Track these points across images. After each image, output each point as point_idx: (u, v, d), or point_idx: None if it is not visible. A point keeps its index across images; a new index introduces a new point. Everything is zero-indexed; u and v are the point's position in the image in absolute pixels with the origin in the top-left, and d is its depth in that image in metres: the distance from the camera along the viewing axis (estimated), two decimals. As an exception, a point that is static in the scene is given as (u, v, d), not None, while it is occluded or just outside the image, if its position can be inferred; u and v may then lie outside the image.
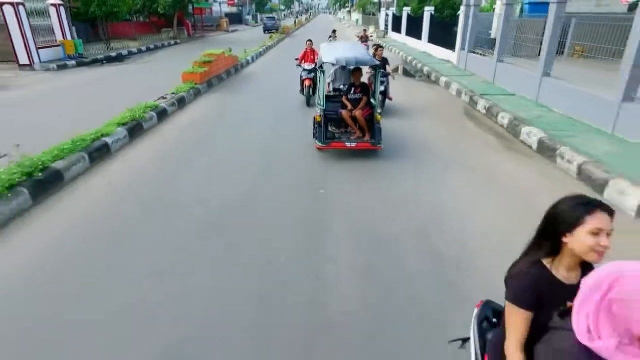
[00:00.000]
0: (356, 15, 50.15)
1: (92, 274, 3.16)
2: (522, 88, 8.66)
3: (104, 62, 16.39)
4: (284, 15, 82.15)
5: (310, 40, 9.23)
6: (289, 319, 2.69)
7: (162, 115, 7.44)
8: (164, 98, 8.12)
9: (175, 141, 6.51)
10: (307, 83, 8.70)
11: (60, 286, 3.00)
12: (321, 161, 5.64)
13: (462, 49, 12.58)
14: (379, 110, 6.21)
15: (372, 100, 6.06)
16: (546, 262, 1.42)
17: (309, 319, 2.69)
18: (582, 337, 1.08)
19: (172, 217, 4.04)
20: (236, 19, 47.56)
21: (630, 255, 1.13)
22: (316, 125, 5.92)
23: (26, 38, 13.49)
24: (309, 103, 8.68)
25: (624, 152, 5.28)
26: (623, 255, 1.11)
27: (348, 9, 64.49)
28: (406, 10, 21.67)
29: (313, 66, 8.60)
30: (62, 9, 15.54)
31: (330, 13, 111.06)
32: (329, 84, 7.48)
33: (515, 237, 3.37)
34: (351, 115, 5.90)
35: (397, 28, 24.63)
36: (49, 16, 15.24)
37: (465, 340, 1.84)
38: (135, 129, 6.37)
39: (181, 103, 8.44)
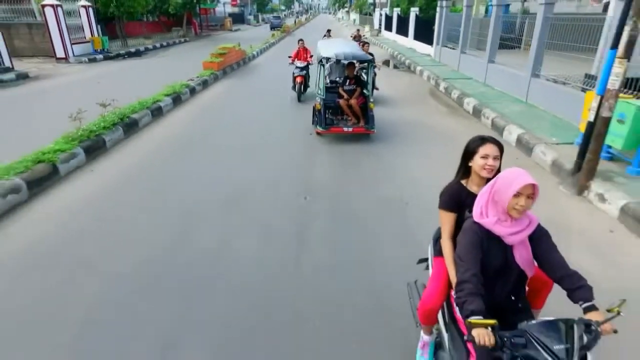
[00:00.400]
0: (354, 15, 52.45)
1: (168, 169, 5.44)
2: (476, 73, 10.93)
3: (126, 56, 18.67)
4: (284, 15, 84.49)
5: (301, 40, 9.85)
6: (292, 187, 4.98)
7: (192, 91, 9.75)
8: (191, 80, 10.40)
9: (204, 109, 8.80)
10: (298, 80, 9.14)
11: (147, 176, 5.29)
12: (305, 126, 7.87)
13: (437, 44, 14.85)
14: (371, 99, 6.88)
15: (365, 91, 6.81)
16: (463, 181, 2.06)
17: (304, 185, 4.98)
18: (476, 217, 1.75)
19: (209, 147, 6.32)
20: (238, 18, 49.86)
21: (508, 167, 1.81)
22: (316, 113, 6.63)
23: (63, 35, 15.78)
24: (300, 99, 9.21)
25: (526, 111, 7.56)
26: (505, 168, 1.83)
27: (346, 9, 66.75)
28: (396, 11, 23.95)
29: (305, 64, 9.25)
30: (90, 9, 17.84)
31: (329, 13, 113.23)
32: (325, 76, 8.32)
33: (447, 167, 5.59)
34: (347, 103, 6.64)
35: (389, 27, 26.93)
36: (79, 16, 17.52)
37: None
38: (176, 99, 8.68)
39: (205, 84, 10.76)
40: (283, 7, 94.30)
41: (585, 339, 1.45)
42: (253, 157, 5.87)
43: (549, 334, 1.48)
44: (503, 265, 1.72)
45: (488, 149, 1.93)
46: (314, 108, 6.78)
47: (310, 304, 2.92)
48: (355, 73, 7.17)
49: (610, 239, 3.83)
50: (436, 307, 2.01)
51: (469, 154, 2.00)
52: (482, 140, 1.97)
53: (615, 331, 1.52)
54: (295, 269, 3.33)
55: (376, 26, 32.00)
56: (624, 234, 3.88)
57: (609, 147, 5.01)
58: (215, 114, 8.39)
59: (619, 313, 1.51)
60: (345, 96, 6.70)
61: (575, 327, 1.47)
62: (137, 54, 19.84)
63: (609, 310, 1.54)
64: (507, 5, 14.10)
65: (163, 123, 7.61)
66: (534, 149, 5.74)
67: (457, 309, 1.82)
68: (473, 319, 1.47)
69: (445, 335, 2.00)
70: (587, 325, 1.49)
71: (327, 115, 6.58)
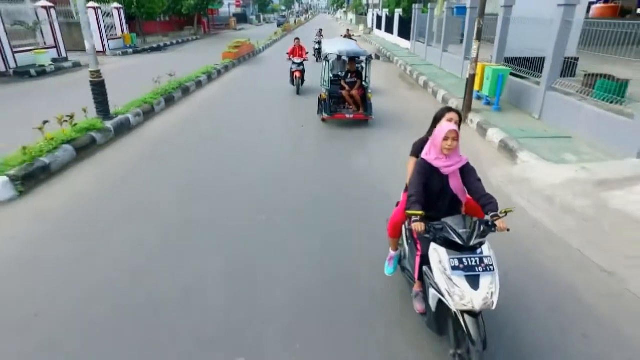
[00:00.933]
0: (351, 15, 55.82)
1: (211, 114, 8.76)
2: (435, 60, 14.24)
3: (149, 51, 21.97)
4: (285, 15, 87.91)
5: (297, 38, 11.03)
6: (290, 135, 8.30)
7: (219, 73, 13.10)
8: (217, 65, 13.71)
9: (228, 84, 12.14)
10: (297, 74, 10.21)
11: (200, 116, 8.61)
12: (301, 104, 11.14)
13: (412, 39, 18.18)
14: (370, 90, 7.89)
15: (364, 83, 7.90)
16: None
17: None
18: (423, 155, 2.55)
19: (230, 106, 9.63)
20: (241, 18, 53.18)
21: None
22: (322, 102, 7.64)
23: (102, 32, 19.10)
24: (299, 92, 10.31)
25: (457, 83, 10.89)
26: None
27: (344, 10, 70.08)
28: (385, 12, 27.28)
29: (301, 60, 10.33)
30: (121, 10, 21.17)
31: (329, 13, 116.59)
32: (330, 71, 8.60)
33: (407, 122, 8.90)
34: (349, 94, 7.69)
35: (379, 26, 30.27)
36: (112, 16, 20.84)
37: None
38: (209, 77, 12.04)
39: (226, 68, 14.13)
40: (283, 7, 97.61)
41: (482, 228, 2.23)
42: (265, 112, 9.20)
43: (459, 223, 2.26)
44: (440, 190, 2.51)
45: (452, 115, 2.77)
46: (319, 98, 7.88)
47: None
48: (355, 68, 8.03)
49: (470, 141, 7.10)
50: (400, 222, 2.86)
51: (438, 118, 2.81)
52: (449, 109, 2.81)
53: (508, 229, 2.23)
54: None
55: (369, 25, 35.33)
56: (476, 137, 7.17)
57: (487, 96, 8.31)
58: (235, 88, 11.72)
59: (506, 214, 2.26)
60: (347, 88, 7.76)
61: (478, 222, 2.25)
62: (159, 49, 23.14)
63: (501, 212, 2.26)
64: (463, 7, 17.31)
65: (203, 92, 10.94)
66: (449, 101, 9.04)
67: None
68: (410, 212, 2.31)
69: (407, 247, 2.94)
70: (487, 223, 2.24)
71: (331, 104, 7.68)
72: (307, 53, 10.89)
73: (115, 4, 20.84)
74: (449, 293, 2.14)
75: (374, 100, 7.93)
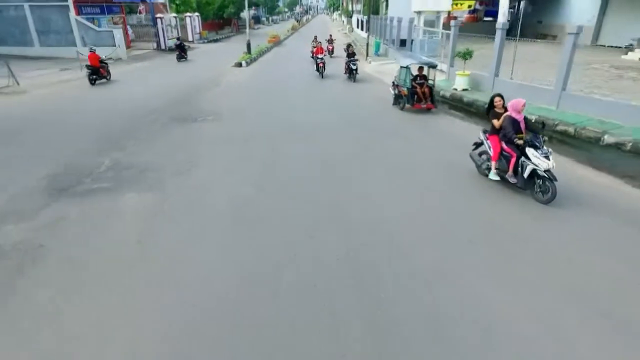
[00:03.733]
0: (343, 18, 71.51)
1: (274, 59, 24.34)
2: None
3: (213, 41, 37.37)
4: (287, 16, 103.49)
5: (320, 42, 21.55)
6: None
7: (267, 50, 28.67)
8: (268, 44, 29.22)
9: (274, 55, 27.66)
10: (320, 65, 17.04)
11: (271, 59, 24.23)
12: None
13: (368, 33, 33.74)
14: (435, 87, 11.53)
15: (429, 83, 11.26)
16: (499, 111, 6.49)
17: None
18: (510, 114, 6.31)
19: (280, 58, 25.19)
20: (256, 20, 68.73)
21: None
22: (403, 96, 11.22)
23: (193, 30, 34.61)
24: (323, 76, 17.30)
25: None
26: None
27: (339, 12, 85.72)
28: (360, 16, 42.91)
29: (322, 56, 17.45)
30: (199, 17, 36.70)
31: (327, 14, 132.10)
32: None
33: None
34: (422, 90, 11.11)
35: (358, 26, 45.95)
36: (195, 20, 36.28)
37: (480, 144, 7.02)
38: (268, 49, 27.62)
39: (272, 47, 29.72)
40: (286, 9, 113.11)
41: (542, 139, 6.10)
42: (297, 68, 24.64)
43: (535, 139, 6.05)
44: (518, 129, 6.28)
45: (498, 98, 6.52)
46: (398, 93, 11.60)
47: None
48: (422, 72, 11.40)
49: (365, 65, 22.50)
50: (499, 150, 6.43)
51: (491, 100, 6.57)
52: (496, 95, 6.57)
53: (545, 140, 6.23)
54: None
55: (353, 26, 50.99)
56: (367, 64, 22.58)
57: (376, 51, 23.71)
58: (279, 53, 27.18)
59: (544, 130, 6.69)
60: (418, 87, 11.18)
61: (541, 137, 6.12)
62: (217, 40, 38.58)
63: (541, 132, 6.25)
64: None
65: (267, 53, 26.48)
66: (370, 62, 24.50)
67: (504, 145, 6.36)
68: (519, 136, 6.16)
69: (497, 162, 6.49)
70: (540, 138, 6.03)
71: (409, 98, 11.12)
72: (324, 50, 19.70)
73: (197, 13, 36.45)
74: (538, 164, 5.69)
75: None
